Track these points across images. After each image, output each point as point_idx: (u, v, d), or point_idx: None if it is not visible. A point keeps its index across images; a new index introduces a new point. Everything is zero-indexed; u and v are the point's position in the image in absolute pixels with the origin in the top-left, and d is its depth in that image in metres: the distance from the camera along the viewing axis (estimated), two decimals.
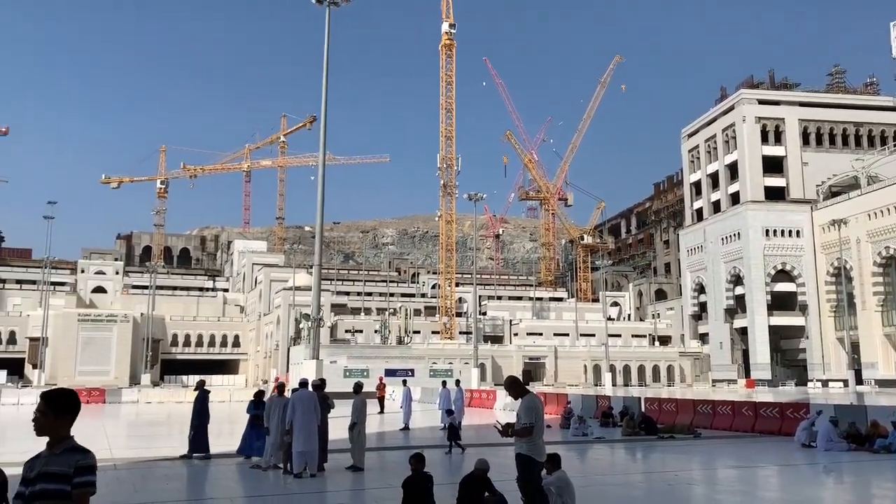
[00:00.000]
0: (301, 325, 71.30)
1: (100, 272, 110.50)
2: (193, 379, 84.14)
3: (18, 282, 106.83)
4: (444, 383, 27.67)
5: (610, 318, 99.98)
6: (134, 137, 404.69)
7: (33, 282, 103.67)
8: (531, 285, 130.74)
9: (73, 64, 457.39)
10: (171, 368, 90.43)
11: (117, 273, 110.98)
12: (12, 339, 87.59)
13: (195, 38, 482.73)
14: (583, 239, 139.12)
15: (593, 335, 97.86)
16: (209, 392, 18.35)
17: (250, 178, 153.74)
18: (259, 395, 18.08)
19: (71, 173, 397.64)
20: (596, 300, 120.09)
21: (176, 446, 19.04)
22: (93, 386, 56.57)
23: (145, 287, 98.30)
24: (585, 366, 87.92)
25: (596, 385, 79.99)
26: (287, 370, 67.80)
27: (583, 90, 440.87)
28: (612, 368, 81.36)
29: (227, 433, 28.52)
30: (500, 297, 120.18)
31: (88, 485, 3.77)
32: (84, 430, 26.62)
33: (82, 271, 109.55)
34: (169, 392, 52.00)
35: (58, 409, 3.94)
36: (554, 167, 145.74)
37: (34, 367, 78.23)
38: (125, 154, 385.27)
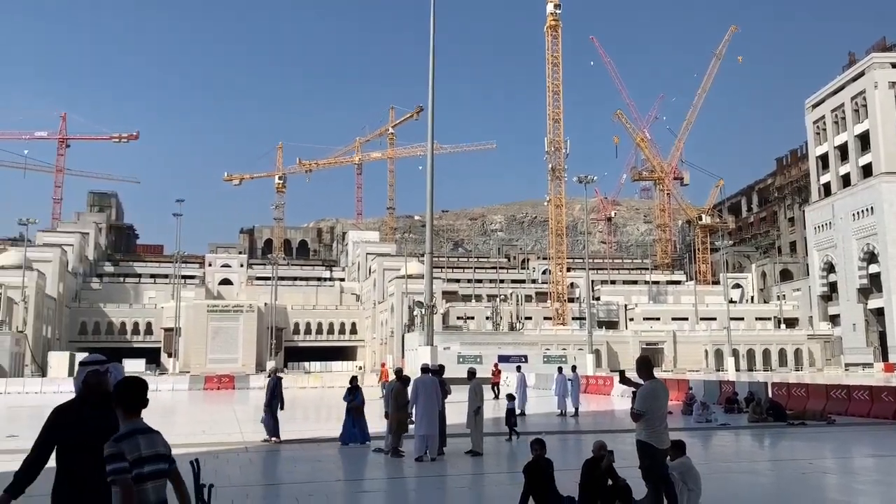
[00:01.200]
0: (415, 313, 72.64)
1: (226, 265, 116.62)
2: (315, 365, 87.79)
3: (152, 276, 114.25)
4: (559, 369, 27.46)
5: (732, 301, 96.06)
6: (253, 136, 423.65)
7: (166, 276, 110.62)
8: (646, 269, 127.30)
9: (195, 69, 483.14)
10: (294, 355, 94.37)
11: (241, 266, 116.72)
12: (149, 329, 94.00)
13: (305, 36, 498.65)
14: (701, 219, 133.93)
15: (714, 319, 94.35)
16: (281, 378, 19.03)
17: (361, 171, 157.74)
18: (353, 380, 18.39)
19: (196, 173, 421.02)
20: (716, 282, 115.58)
21: (301, 430, 19.88)
22: (222, 373, 59.98)
23: (267, 278, 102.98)
24: (706, 351, 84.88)
25: (718, 370, 77.22)
26: (402, 356, 69.28)
27: (696, 64, 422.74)
28: (734, 353, 78.26)
29: (311, 419, 29.52)
30: (613, 282, 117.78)
31: (115, 472, 3.95)
32: (216, 416, 28.16)
33: (210, 265, 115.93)
34: (293, 378, 54.28)
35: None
36: (668, 145, 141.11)
37: (169, 355, 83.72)
38: (245, 153, 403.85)
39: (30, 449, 4.66)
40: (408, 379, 16.12)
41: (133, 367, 73.66)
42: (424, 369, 15.48)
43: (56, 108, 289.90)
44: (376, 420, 17.43)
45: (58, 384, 52.87)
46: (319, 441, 18.19)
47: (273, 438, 17.45)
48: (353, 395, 17.56)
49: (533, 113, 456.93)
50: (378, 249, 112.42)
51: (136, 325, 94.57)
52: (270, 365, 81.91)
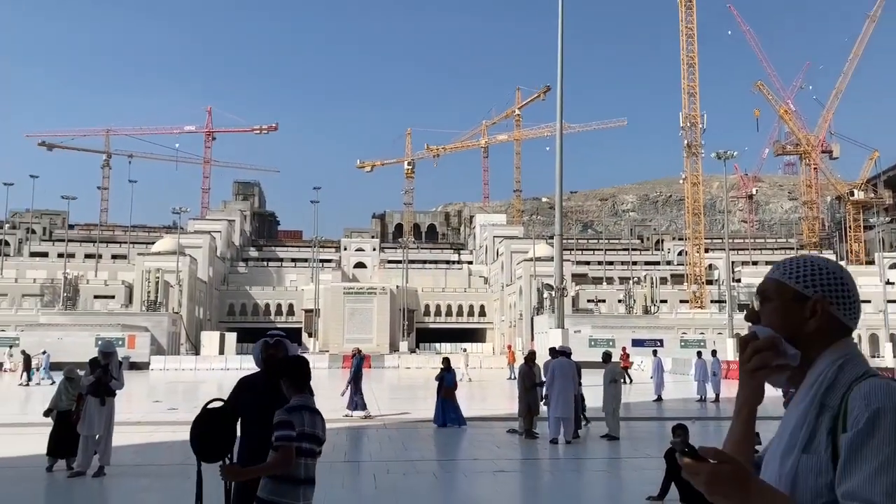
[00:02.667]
0: (544, 296, 72.12)
1: (359, 249, 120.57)
2: (445, 346, 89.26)
3: (293, 260, 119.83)
4: (698, 354, 26.55)
5: (889, 283, 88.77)
6: (383, 124, 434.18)
7: (305, 260, 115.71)
8: (792, 248, 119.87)
9: (328, 61, 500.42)
10: (425, 336, 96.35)
11: (374, 249, 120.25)
12: (290, 310, 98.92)
13: (432, 22, 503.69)
14: (853, 194, 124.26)
15: (868, 301, 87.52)
16: (364, 358, 20.52)
17: (488, 154, 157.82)
18: (445, 362, 18.29)
19: (331, 161, 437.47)
20: (871, 262, 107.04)
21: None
22: None
23: (398, 261, 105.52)
24: (859, 336, 79.01)
25: (873, 357, 71.76)
26: (532, 339, 69.07)
27: (847, 28, 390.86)
28: (892, 338, 72.54)
29: (478, 398, 29.84)
30: (755, 263, 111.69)
31: (280, 439, 4.16)
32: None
33: (345, 249, 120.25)
34: (425, 358, 55.48)
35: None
36: (815, 117, 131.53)
37: (309, 335, 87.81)
38: (376, 140, 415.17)
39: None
40: (535, 361, 16.02)
41: None
42: (553, 352, 15.29)
43: (202, 104, 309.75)
44: (493, 400, 17.47)
45: (210, 361, 56.90)
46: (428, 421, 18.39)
47: (362, 413, 18.54)
48: (445, 376, 17.33)
49: (666, 88, 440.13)
50: (505, 232, 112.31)
51: (278, 306, 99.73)
52: (403, 345, 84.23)
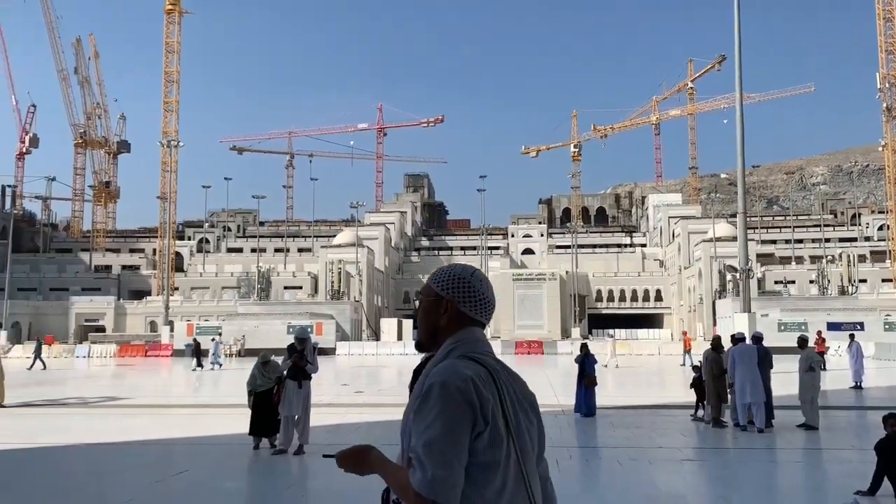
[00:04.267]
0: (727, 278, 68.41)
1: (527, 235, 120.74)
2: (619, 333, 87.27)
3: (462, 248, 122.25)
4: (851, 337, 24.41)
5: None
6: (546, 108, 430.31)
7: (473, 247, 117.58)
8: None
9: (490, 50, 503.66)
10: (598, 322, 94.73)
11: (542, 235, 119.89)
12: None
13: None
14: None
15: None
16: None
17: (659, 131, 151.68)
18: (584, 348, 17.35)
19: (496, 149, 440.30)
20: None
21: (614, 396, 19.76)
22: (530, 339, 62.43)
23: (567, 246, 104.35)
24: None
25: None
26: (714, 324, 65.75)
27: None
28: None
29: (657, 384, 28.92)
30: None
31: None
32: (530, 378, 29.28)
33: (512, 235, 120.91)
34: (599, 345, 54.54)
35: None
36: None
37: None
38: (540, 125, 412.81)
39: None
40: (721, 347, 15.25)
41: None
42: (735, 339, 14.48)
43: (374, 102, 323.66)
44: (672, 388, 16.70)
45: (389, 347, 59.57)
46: (636, 408, 17.97)
47: None
48: (585, 362, 16.55)
49: (858, 47, 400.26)
50: (681, 212, 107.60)
51: None
52: (575, 332, 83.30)
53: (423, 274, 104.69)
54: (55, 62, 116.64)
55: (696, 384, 15.59)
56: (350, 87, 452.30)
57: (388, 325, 72.75)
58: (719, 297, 71.11)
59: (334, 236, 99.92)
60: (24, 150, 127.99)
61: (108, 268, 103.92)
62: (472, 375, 2.10)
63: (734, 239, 37.15)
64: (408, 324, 72.63)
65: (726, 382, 14.27)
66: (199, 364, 37.24)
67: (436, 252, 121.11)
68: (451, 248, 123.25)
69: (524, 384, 2.32)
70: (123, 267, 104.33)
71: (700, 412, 15.36)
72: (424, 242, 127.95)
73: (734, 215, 32.14)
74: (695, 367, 16.20)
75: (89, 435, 14.27)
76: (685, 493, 9.22)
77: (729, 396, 14.34)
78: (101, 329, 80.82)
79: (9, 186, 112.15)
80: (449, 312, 2.30)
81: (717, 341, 15.68)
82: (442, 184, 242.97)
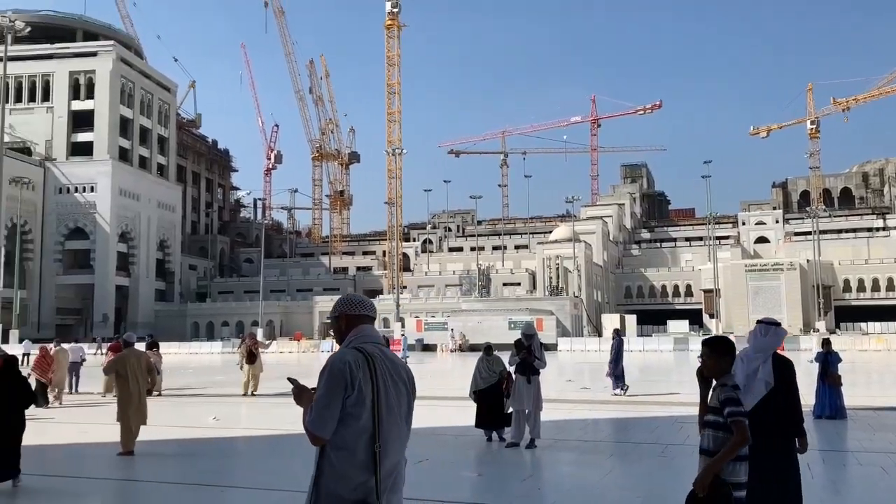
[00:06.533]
0: None
1: (759, 222, 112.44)
2: (873, 326, 78.34)
3: (687, 239, 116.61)
4: None
5: None
6: (776, 84, 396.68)
7: (699, 238, 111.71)
8: None
9: (710, 28, 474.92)
10: (846, 315, 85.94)
11: (777, 222, 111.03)
12: (688, 291, 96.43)
13: None
14: None
15: None
16: (623, 339, 21.59)
17: None
18: (826, 344, 15.32)
19: (720, 132, 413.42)
20: None
21: (870, 396, 17.79)
22: None
23: (807, 233, 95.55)
24: None
25: None
26: None
27: None
28: None
29: (876, 384, 25.76)
30: None
31: (733, 415, 4.26)
32: None
33: (742, 223, 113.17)
34: (849, 340, 49.50)
35: (717, 352, 4.59)
36: None
37: (711, 316, 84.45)
38: (770, 102, 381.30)
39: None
40: None
41: (676, 327, 77.16)
42: None
43: (586, 93, 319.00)
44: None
45: (611, 343, 58.33)
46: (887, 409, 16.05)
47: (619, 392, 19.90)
48: (828, 358, 14.80)
49: None
50: None
51: (675, 287, 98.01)
52: (820, 325, 76.00)
53: (644, 268, 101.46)
54: (293, 84, 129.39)
55: None
56: (562, 82, 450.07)
57: (610, 320, 71.33)
58: None
59: (550, 232, 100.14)
60: (270, 166, 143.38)
61: (344, 269, 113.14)
62: (350, 360, 3.23)
63: None
64: (631, 319, 70.82)
65: None
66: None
67: (658, 244, 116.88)
68: (674, 240, 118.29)
69: (401, 366, 3.45)
70: (358, 268, 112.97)
71: None
72: (645, 235, 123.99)
73: None
74: None
75: None
76: None
77: None
78: None
79: (260, 199, 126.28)
80: (342, 321, 3.51)
81: None
82: (662, 173, 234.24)
